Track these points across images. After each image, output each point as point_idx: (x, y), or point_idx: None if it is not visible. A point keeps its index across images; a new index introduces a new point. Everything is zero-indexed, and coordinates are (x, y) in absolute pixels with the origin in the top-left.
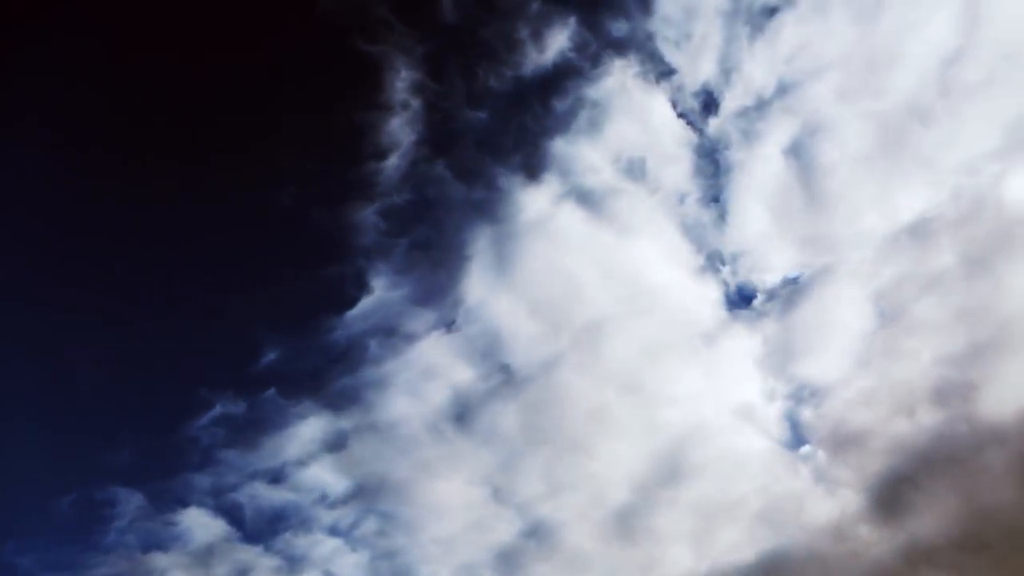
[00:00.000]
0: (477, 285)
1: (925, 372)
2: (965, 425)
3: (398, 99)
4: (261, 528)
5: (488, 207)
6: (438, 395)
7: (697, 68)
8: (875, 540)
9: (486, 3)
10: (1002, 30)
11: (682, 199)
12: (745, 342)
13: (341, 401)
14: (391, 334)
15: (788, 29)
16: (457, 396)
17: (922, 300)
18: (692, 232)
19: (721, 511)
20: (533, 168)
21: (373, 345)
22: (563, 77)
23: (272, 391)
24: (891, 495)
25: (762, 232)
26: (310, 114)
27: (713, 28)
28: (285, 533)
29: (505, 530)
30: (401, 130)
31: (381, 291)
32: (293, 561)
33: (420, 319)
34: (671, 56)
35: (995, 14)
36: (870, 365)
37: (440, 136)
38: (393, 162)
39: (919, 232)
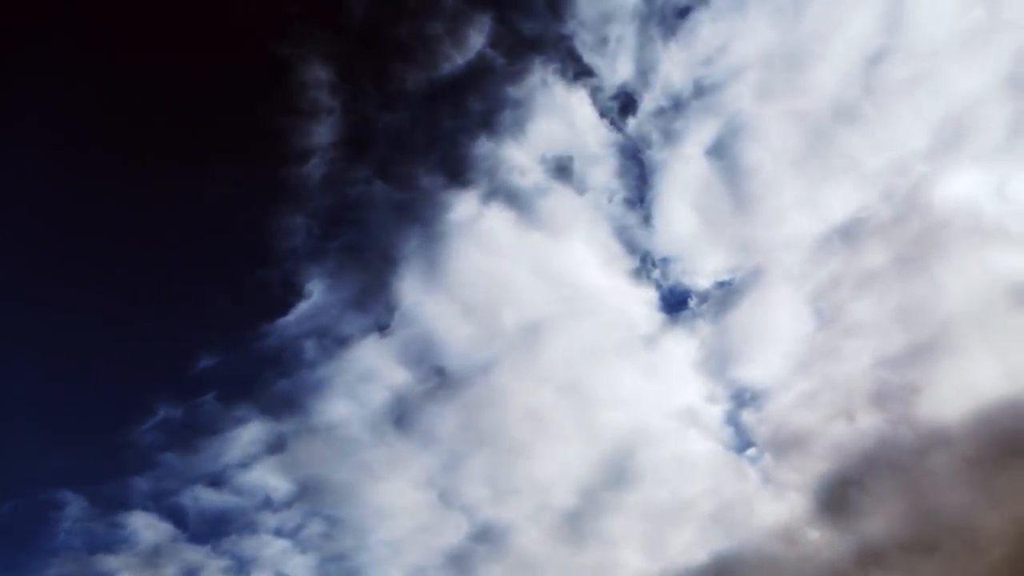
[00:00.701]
0: (409, 288)
1: (865, 374)
2: (907, 427)
3: (315, 101)
4: (207, 530)
5: (413, 209)
6: (376, 398)
7: (614, 69)
8: (825, 542)
9: (400, 2)
10: (926, 30)
11: (610, 199)
12: (683, 345)
13: (280, 405)
14: (327, 338)
15: (704, 29)
16: (395, 399)
17: (858, 301)
18: (623, 234)
19: (670, 513)
20: (456, 169)
21: (309, 349)
22: (481, 76)
23: (211, 396)
24: (837, 497)
25: (692, 234)
26: (228, 118)
27: (629, 29)
28: (231, 535)
29: (453, 533)
30: (320, 133)
31: (315, 295)
32: (243, 562)
33: (355, 322)
34: (589, 57)
35: (918, 14)
36: (810, 367)
37: (359, 138)
38: (315, 165)
39: (851, 233)
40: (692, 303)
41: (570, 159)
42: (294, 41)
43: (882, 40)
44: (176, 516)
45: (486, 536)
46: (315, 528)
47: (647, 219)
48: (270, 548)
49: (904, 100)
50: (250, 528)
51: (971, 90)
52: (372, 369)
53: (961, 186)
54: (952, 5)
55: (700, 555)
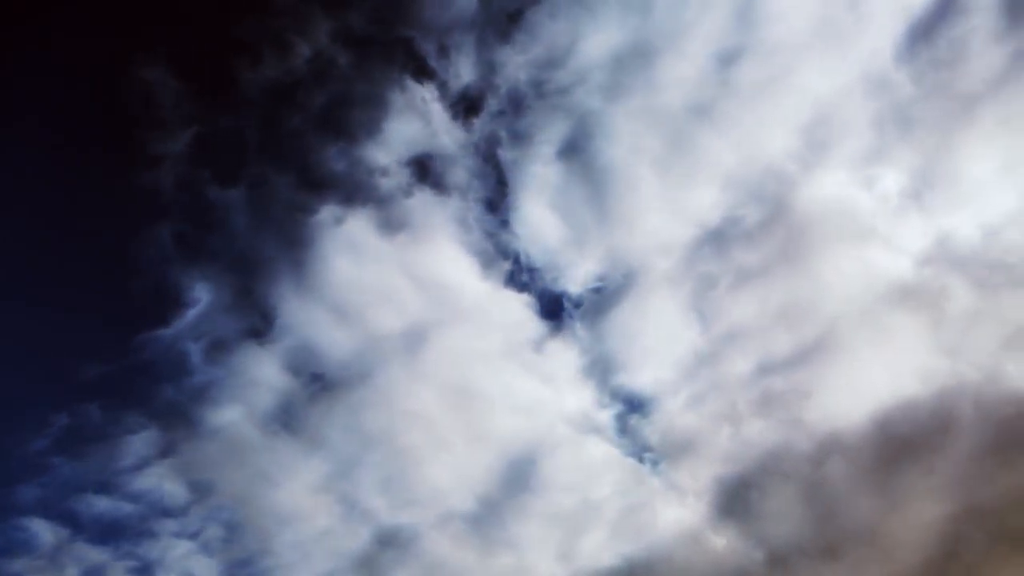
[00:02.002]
0: (283, 293)
1: (751, 378)
2: (801, 430)
3: (161, 107)
4: (105, 533)
5: (275, 214)
6: (264, 403)
7: (458, 72)
8: (730, 547)
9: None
10: (781, 26)
11: (473, 202)
12: (566, 352)
13: (168, 411)
14: (210, 344)
15: (545, 29)
16: (283, 404)
17: (738, 305)
18: (490, 238)
19: (575, 518)
20: (314, 171)
21: (194, 355)
22: (329, 75)
23: (97, 404)
24: (737, 502)
25: (558, 237)
26: (77, 127)
27: (469, 33)
28: (132, 538)
29: (358, 538)
30: (170, 139)
31: (194, 303)
32: (148, 563)
33: (235, 329)
34: (433, 61)
35: (772, 10)
36: (696, 372)
37: (212, 143)
38: (169, 173)
39: (724, 236)
40: (569, 309)
41: (430, 160)
42: (137, 46)
43: (737, 38)
44: (72, 521)
45: (392, 541)
46: (216, 532)
47: (511, 223)
48: (174, 550)
49: (764, 98)
50: (149, 532)
51: (833, 87)
52: (257, 375)
53: (830, 185)
54: (807, 1)
55: (609, 559)
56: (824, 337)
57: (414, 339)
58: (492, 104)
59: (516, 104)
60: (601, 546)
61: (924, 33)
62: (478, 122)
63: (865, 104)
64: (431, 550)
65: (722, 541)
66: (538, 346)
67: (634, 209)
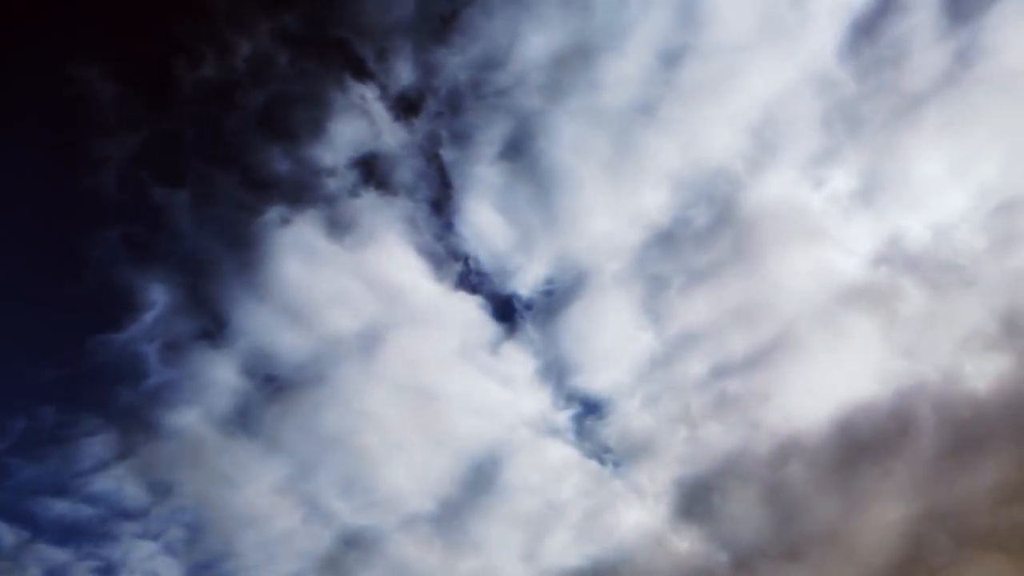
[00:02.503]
0: (235, 296)
1: (707, 379)
2: (760, 431)
3: (98, 108)
4: (66, 535)
5: (221, 216)
6: (221, 406)
7: (399, 72)
8: (694, 549)
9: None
10: (726, 25)
11: (420, 203)
12: (521, 354)
13: (125, 413)
14: (165, 346)
15: (485, 29)
16: (240, 406)
17: (691, 306)
18: (439, 240)
19: (540, 520)
20: (259, 172)
21: (150, 358)
22: (269, 76)
23: (53, 407)
24: (698, 503)
25: (505, 239)
26: (17, 131)
27: (408, 31)
28: (93, 539)
29: (323, 539)
30: (110, 141)
31: (147, 305)
32: (111, 564)
33: (189, 331)
34: (373, 61)
35: (716, 8)
36: (651, 374)
37: (151, 144)
38: (112, 174)
39: (674, 237)
40: (521, 311)
41: (374, 161)
42: (73, 48)
43: (680, 37)
44: (32, 523)
45: (356, 543)
46: (178, 533)
47: (458, 225)
48: (137, 552)
49: (710, 98)
50: (110, 534)
51: (778, 87)
52: (213, 377)
53: (779, 186)
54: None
55: (573, 560)
56: (780, 338)
57: (368, 341)
58: (432, 106)
59: (456, 105)
60: (565, 547)
61: (866, 31)
62: (419, 124)
63: (812, 104)
64: (395, 552)
65: (685, 543)
66: (493, 348)
67: (581, 210)
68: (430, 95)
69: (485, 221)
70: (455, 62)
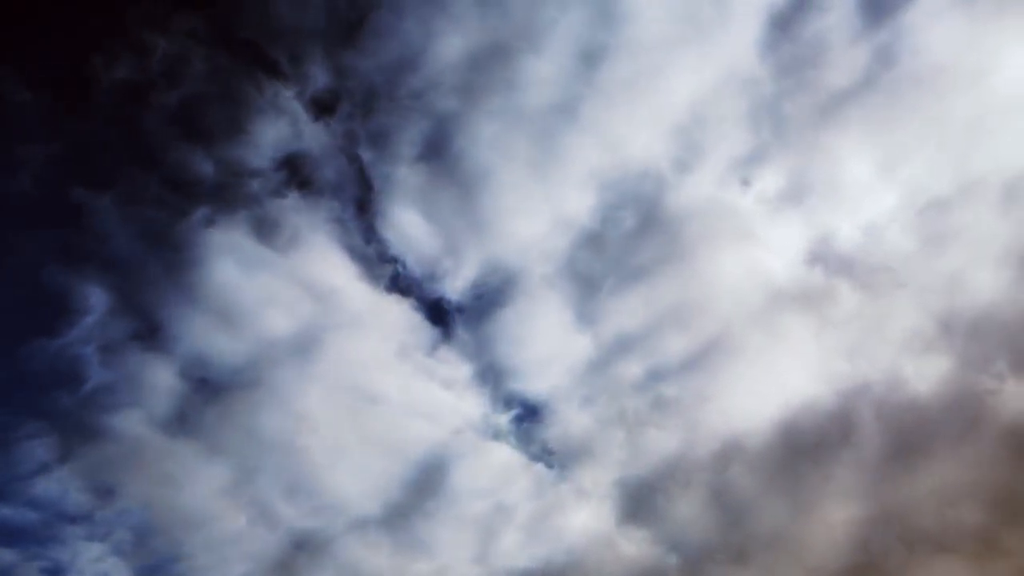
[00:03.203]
0: (169, 299)
1: (646, 381)
2: (699, 433)
3: (12, 109)
4: (10, 538)
5: (146, 218)
6: (161, 408)
7: (315, 73)
8: (642, 551)
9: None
10: (643, 28)
11: (346, 206)
12: (459, 357)
13: (65, 417)
14: (103, 350)
15: (397, 30)
16: (180, 409)
17: (625, 308)
18: (369, 244)
19: (485, 523)
20: (177, 173)
21: (88, 362)
22: (187, 77)
23: None
24: (643, 506)
25: (434, 241)
26: None
27: (320, 32)
28: (39, 541)
29: (271, 541)
30: (27, 143)
31: (83, 309)
32: (60, 565)
33: (127, 335)
34: (288, 62)
35: (630, 11)
36: (589, 377)
37: (71, 146)
38: (34, 177)
39: (602, 238)
40: (454, 315)
41: (298, 162)
42: None
43: (599, 36)
44: None
45: (305, 546)
46: (124, 536)
47: (384, 227)
48: (86, 553)
49: (632, 98)
50: (55, 537)
51: (702, 86)
52: (151, 380)
53: (706, 186)
54: None
55: (523, 562)
56: (716, 340)
57: (304, 344)
58: (347, 108)
59: (372, 107)
60: (515, 549)
61: (783, 29)
62: (337, 126)
63: (735, 103)
64: (345, 555)
65: (632, 545)
66: (430, 352)
67: (506, 212)
68: (346, 97)
69: (409, 223)
70: (367, 65)
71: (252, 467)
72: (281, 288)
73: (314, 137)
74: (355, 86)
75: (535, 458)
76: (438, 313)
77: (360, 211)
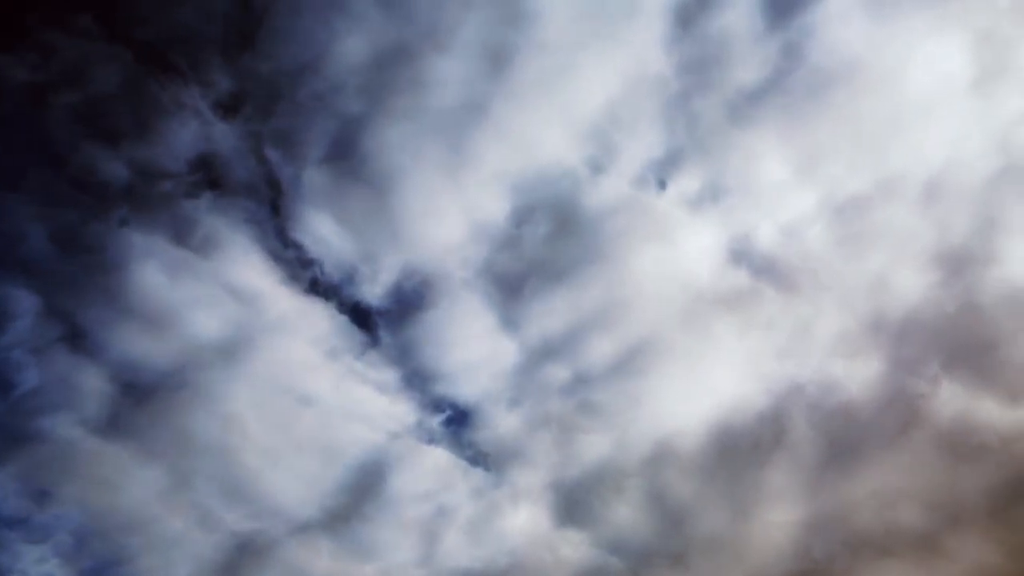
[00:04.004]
0: (92, 302)
1: (573, 385)
2: (631, 435)
3: None
4: None
5: (58, 220)
6: (93, 411)
7: (214, 74)
8: (583, 554)
9: None
10: (550, 27)
11: (261, 209)
12: (386, 361)
13: None
14: (31, 354)
15: (298, 32)
16: (112, 412)
17: (548, 311)
18: (286, 246)
19: (426, 526)
20: (86, 174)
21: (16, 365)
22: (87, 75)
23: None
24: (579, 509)
25: (350, 245)
26: None
27: (215, 32)
28: None
29: (213, 545)
30: None
31: (16, 312)
32: (2, 568)
33: (54, 338)
34: (188, 64)
35: (537, 10)
36: (516, 380)
37: None
38: None
39: (517, 241)
40: (376, 319)
41: (209, 163)
42: None
43: (505, 36)
44: None
45: (248, 549)
46: (65, 540)
47: (300, 231)
48: (28, 555)
49: (543, 98)
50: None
51: (613, 85)
52: (81, 383)
53: (621, 187)
54: None
55: (466, 564)
56: (642, 342)
57: (232, 347)
58: (251, 111)
59: (274, 110)
60: (457, 552)
61: (686, 25)
62: (244, 128)
63: (647, 103)
64: (289, 558)
65: (571, 548)
66: (360, 355)
67: (420, 215)
68: (248, 100)
69: (322, 226)
70: (266, 68)
71: (188, 470)
72: (204, 291)
73: (223, 138)
74: (256, 89)
75: (472, 462)
76: (363, 317)
77: (274, 213)
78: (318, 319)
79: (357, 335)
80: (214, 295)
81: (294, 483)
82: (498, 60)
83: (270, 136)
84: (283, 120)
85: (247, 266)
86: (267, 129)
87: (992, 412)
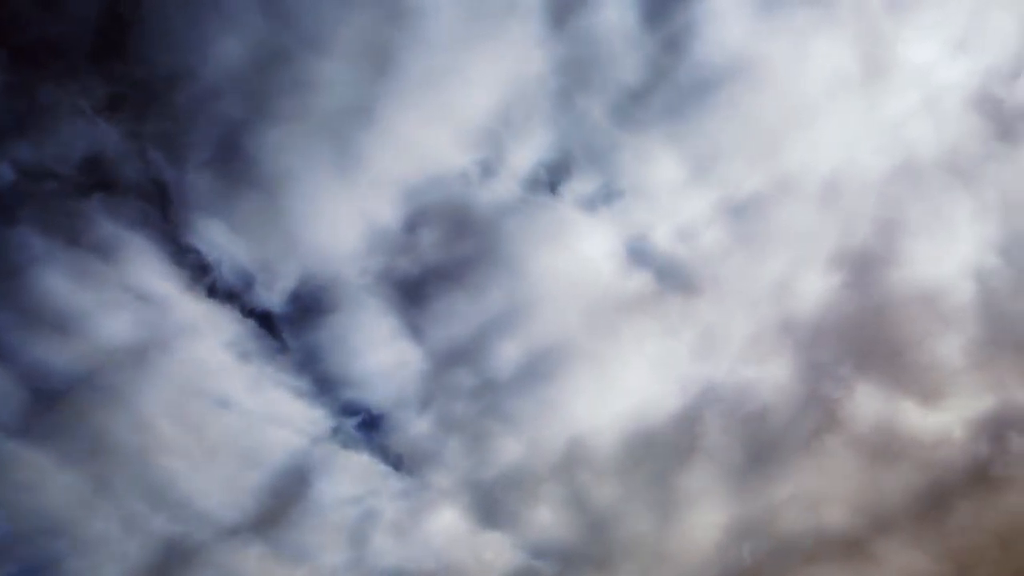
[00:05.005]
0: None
1: (483, 388)
2: (546, 437)
3: None
4: None
5: None
6: (6, 415)
7: (90, 77)
8: (508, 557)
9: None
10: (432, 27)
11: (153, 210)
12: (293, 367)
13: None
14: None
15: (167, 31)
16: (27, 416)
17: (450, 316)
18: (183, 250)
19: (351, 529)
20: None
21: None
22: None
23: None
24: (501, 513)
25: (245, 250)
26: None
27: (87, 36)
28: None
29: (141, 547)
30: None
31: None
32: None
33: None
34: (64, 65)
35: (419, 9)
36: (425, 384)
37: None
38: None
39: (418, 245)
40: (280, 325)
41: (98, 164)
42: None
43: (387, 36)
44: None
45: (175, 552)
46: None
47: (192, 235)
48: None
49: (430, 98)
50: None
51: (499, 85)
52: None
53: (514, 189)
54: None
55: (395, 565)
56: (546, 345)
57: (142, 350)
58: (132, 113)
59: (154, 113)
60: (383, 555)
61: (561, 25)
62: (126, 129)
63: (533, 103)
64: (218, 562)
65: (494, 550)
66: (270, 359)
67: (312, 219)
68: (128, 103)
69: (214, 230)
70: (141, 71)
71: (109, 473)
72: (108, 294)
73: (107, 139)
74: (132, 92)
75: (390, 465)
76: (269, 322)
77: (167, 216)
78: (225, 323)
79: (267, 340)
80: (118, 298)
81: (218, 486)
82: (381, 61)
83: (151, 138)
84: (163, 123)
85: (147, 269)
86: (147, 131)
87: (910, 414)
